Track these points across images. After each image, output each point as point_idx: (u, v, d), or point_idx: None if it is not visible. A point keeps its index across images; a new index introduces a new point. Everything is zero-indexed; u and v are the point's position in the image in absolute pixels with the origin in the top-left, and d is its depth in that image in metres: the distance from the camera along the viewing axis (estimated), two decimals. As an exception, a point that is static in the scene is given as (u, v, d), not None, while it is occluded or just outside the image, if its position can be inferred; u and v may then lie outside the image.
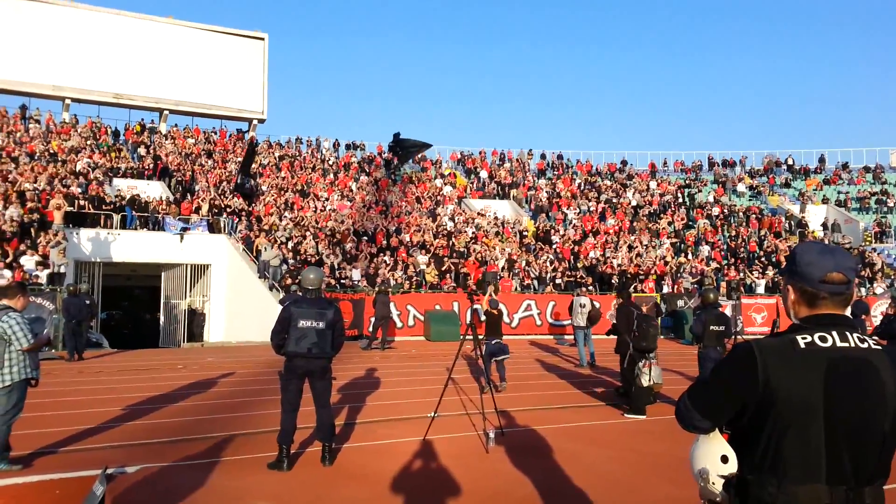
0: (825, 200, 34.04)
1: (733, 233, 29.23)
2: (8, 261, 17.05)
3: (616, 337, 10.07)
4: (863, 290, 23.32)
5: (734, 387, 2.00)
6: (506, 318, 20.40)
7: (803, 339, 1.96)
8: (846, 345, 1.94)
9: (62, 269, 17.99)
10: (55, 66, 31.18)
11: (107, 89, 32.31)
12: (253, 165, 20.63)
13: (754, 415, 1.96)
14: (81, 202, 21.16)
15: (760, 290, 23.51)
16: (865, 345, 1.96)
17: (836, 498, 1.89)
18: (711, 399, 2.07)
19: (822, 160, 39.42)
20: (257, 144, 23.58)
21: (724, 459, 2.05)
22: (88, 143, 28.54)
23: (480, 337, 9.27)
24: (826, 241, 28.79)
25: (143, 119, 33.69)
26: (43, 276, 17.12)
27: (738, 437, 2.05)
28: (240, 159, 29.02)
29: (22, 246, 17.87)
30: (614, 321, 12.54)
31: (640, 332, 9.18)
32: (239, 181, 21.65)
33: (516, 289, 22.17)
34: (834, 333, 1.96)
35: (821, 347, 1.93)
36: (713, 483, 2.06)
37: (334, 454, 6.52)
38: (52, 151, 26.00)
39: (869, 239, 29.51)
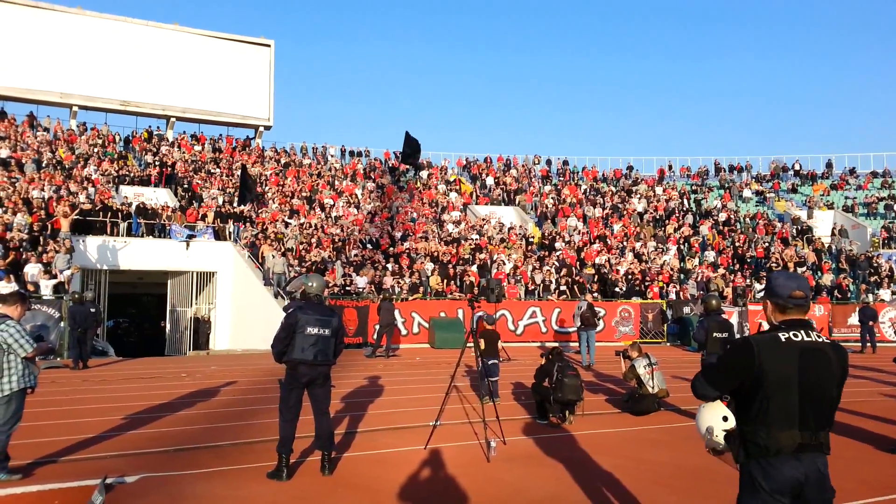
0: (832, 206, 33.85)
1: (740, 239, 29.05)
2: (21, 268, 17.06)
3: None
4: (870, 296, 23.12)
5: (738, 369, 2.93)
6: (510, 326, 20.41)
7: (783, 335, 2.94)
8: (810, 339, 2.94)
9: (69, 278, 17.99)
10: (63, 73, 31.36)
11: (114, 97, 32.49)
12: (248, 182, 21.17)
13: (751, 386, 2.89)
14: (88, 210, 21.23)
15: (758, 295, 23.25)
16: (821, 339, 2.97)
17: (805, 438, 2.85)
18: (720, 377, 3.02)
19: (829, 165, 39.14)
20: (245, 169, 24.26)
21: (725, 419, 2.97)
22: (95, 150, 28.68)
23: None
24: (832, 248, 28.35)
25: (150, 126, 33.86)
26: (49, 285, 17.13)
27: (737, 401, 2.98)
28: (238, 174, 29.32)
29: (28, 254, 17.90)
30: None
31: (557, 382, 8.44)
32: (241, 196, 21.91)
33: (521, 296, 22.10)
34: (802, 332, 2.95)
35: (795, 341, 2.92)
36: (717, 436, 2.99)
37: (334, 463, 6.47)
38: (59, 159, 26.14)
39: (877, 244, 29.29)
